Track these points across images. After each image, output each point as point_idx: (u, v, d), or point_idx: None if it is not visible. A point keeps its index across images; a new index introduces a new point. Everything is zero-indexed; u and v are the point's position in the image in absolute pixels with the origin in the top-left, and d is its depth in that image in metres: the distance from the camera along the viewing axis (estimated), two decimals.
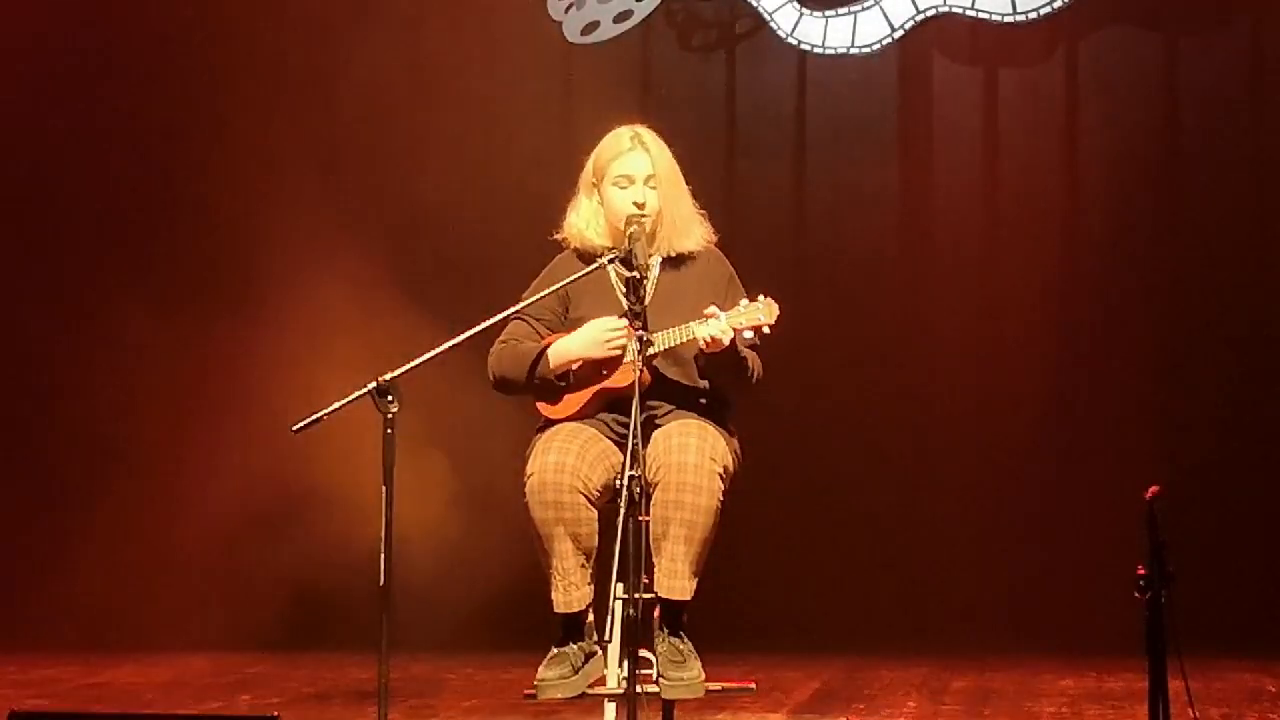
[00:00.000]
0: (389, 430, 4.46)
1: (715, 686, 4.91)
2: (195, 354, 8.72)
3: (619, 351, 4.91)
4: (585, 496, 4.84)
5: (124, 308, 8.66)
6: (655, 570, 4.82)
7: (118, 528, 8.63)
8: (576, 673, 4.85)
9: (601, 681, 4.89)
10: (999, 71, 8.64)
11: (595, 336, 4.96)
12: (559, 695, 4.86)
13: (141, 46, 8.96)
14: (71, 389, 8.76)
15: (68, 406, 8.75)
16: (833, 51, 8.67)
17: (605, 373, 4.96)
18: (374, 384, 4.49)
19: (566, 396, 5.01)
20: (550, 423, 5.01)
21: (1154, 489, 3.80)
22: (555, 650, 4.89)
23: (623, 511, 4.54)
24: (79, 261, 8.90)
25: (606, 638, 4.84)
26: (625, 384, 4.82)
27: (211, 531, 8.62)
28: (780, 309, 4.89)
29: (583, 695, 4.88)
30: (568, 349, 4.99)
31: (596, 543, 4.87)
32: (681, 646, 4.84)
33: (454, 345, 4.71)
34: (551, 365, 4.98)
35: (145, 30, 8.97)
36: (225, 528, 8.60)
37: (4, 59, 8.95)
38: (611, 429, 4.96)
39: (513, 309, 5.01)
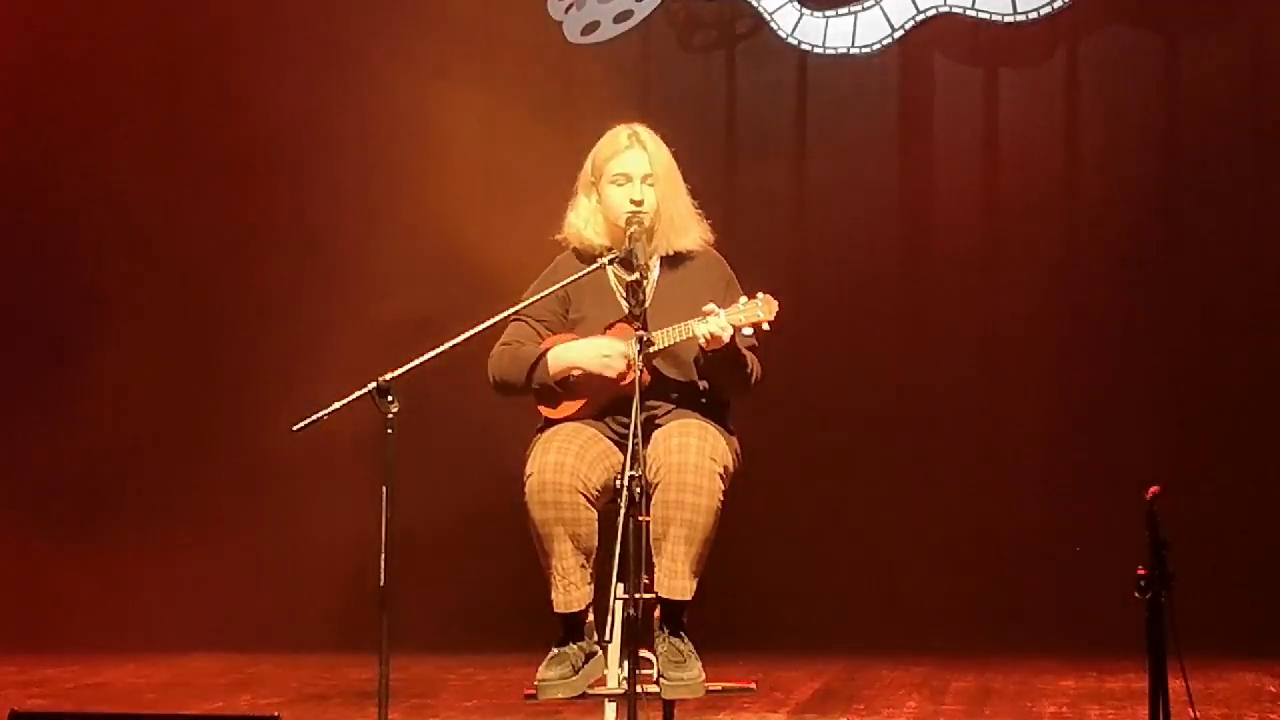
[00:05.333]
0: (389, 430, 4.46)
1: (715, 686, 4.91)
2: (197, 361, 8.74)
3: (612, 374, 4.91)
4: (585, 496, 4.84)
5: (153, 312, 8.71)
6: (655, 570, 4.82)
7: (121, 528, 8.64)
8: (577, 673, 4.85)
9: (602, 681, 4.89)
10: (999, 71, 8.64)
11: (597, 349, 4.95)
12: (559, 695, 4.86)
13: (142, 46, 8.96)
14: (75, 392, 8.76)
15: (70, 408, 8.75)
16: (833, 51, 8.67)
17: (602, 384, 4.96)
18: (374, 384, 4.49)
19: (564, 401, 5.01)
20: (550, 423, 5.01)
21: (1154, 489, 3.80)
22: (555, 650, 4.89)
23: (623, 511, 4.55)
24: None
25: (607, 638, 4.84)
26: (625, 384, 4.83)
27: (214, 532, 8.63)
28: (779, 308, 4.89)
29: (583, 695, 4.88)
30: (567, 357, 4.98)
31: (596, 543, 4.87)
32: (682, 646, 4.84)
33: (454, 345, 4.72)
34: (550, 371, 4.98)
35: (142, 30, 8.96)
36: (227, 528, 8.61)
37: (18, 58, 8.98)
38: (611, 429, 4.96)
39: (512, 310, 5.01)
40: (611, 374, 4.91)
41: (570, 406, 5.01)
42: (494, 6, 8.81)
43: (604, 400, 4.97)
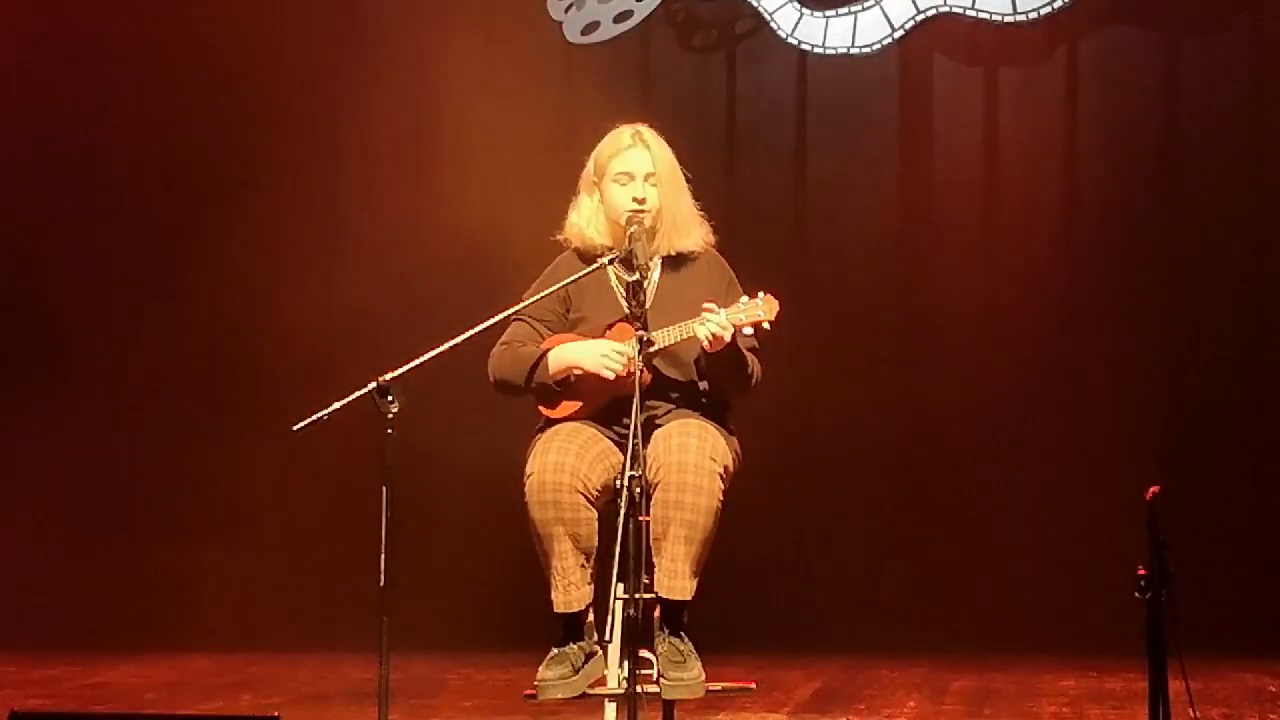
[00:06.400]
0: (389, 430, 4.46)
1: (715, 686, 4.91)
2: (202, 362, 8.74)
3: (610, 375, 4.91)
4: (585, 496, 4.84)
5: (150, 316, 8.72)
6: (655, 570, 4.82)
7: (121, 529, 8.64)
8: (577, 673, 4.85)
9: (602, 681, 4.89)
10: (999, 71, 8.63)
11: (597, 350, 4.95)
12: (559, 695, 4.86)
13: (146, 50, 8.95)
14: (76, 392, 8.77)
15: (69, 410, 8.75)
16: (833, 51, 8.67)
17: (601, 385, 4.96)
18: (374, 384, 4.49)
19: (564, 401, 5.01)
20: (550, 422, 5.01)
21: (1154, 489, 3.80)
22: (555, 650, 4.89)
23: (623, 511, 4.55)
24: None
25: (607, 638, 4.84)
26: (626, 380, 4.83)
27: (213, 532, 8.63)
28: (780, 307, 4.90)
29: (583, 695, 4.88)
30: (567, 357, 4.98)
31: (596, 543, 4.87)
32: (682, 646, 4.84)
33: (454, 345, 4.72)
34: (550, 371, 4.98)
35: (147, 33, 8.96)
36: (227, 528, 8.61)
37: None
38: (611, 429, 4.96)
39: (513, 309, 5.01)
40: (610, 375, 4.92)
41: (570, 406, 5.01)
42: (494, 6, 8.80)
43: (603, 400, 4.97)
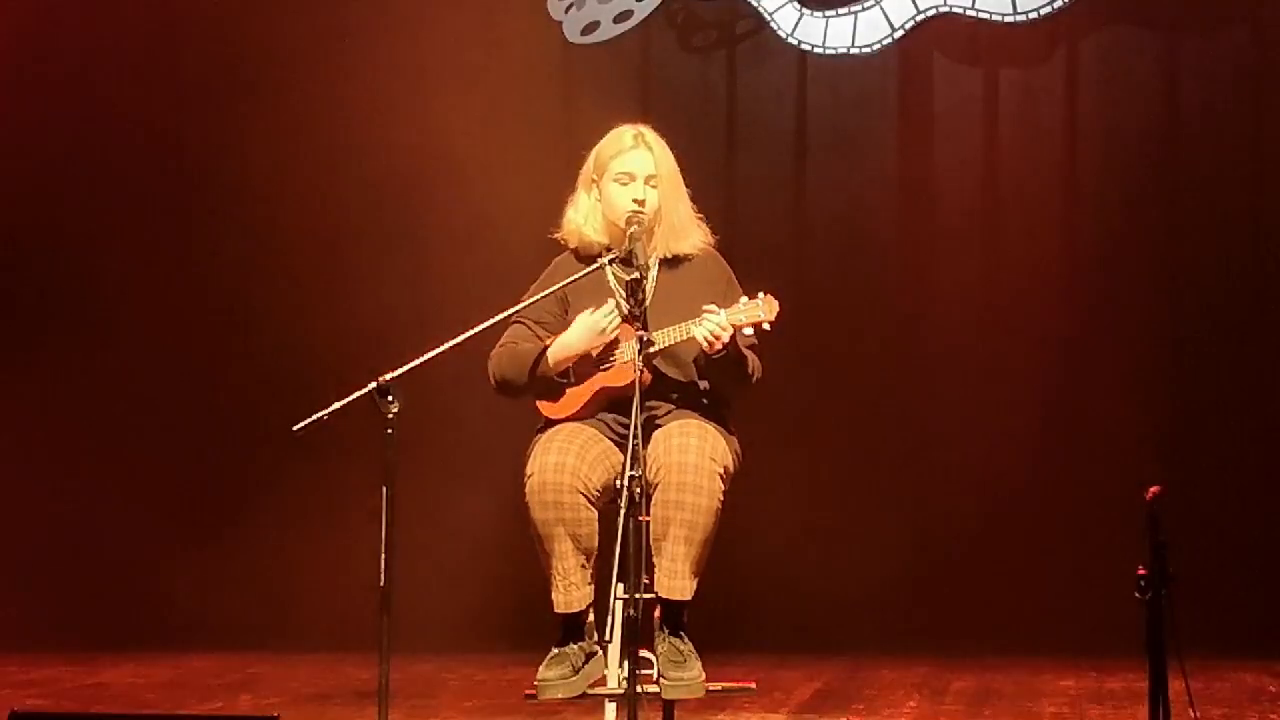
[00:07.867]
0: (389, 430, 4.46)
1: (715, 686, 4.91)
2: (208, 358, 8.75)
3: (616, 334, 4.92)
4: (585, 497, 4.84)
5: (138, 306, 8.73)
6: (655, 570, 4.82)
7: (119, 528, 8.64)
8: (577, 673, 4.85)
9: (602, 681, 4.89)
10: (999, 71, 8.63)
11: (590, 325, 4.96)
12: (560, 695, 4.86)
13: (144, 45, 8.95)
14: (79, 392, 8.77)
15: (64, 411, 8.75)
16: (833, 51, 8.67)
17: (605, 365, 4.97)
18: (374, 384, 4.49)
19: (567, 393, 5.01)
20: (550, 423, 5.01)
21: (1154, 489, 3.80)
22: (556, 650, 4.89)
23: (623, 511, 4.55)
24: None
25: (607, 638, 4.85)
26: (625, 384, 4.83)
27: (212, 531, 8.63)
28: (780, 308, 4.90)
29: (583, 695, 4.88)
30: (565, 344, 4.99)
31: (596, 543, 4.87)
32: (682, 646, 4.84)
33: (454, 346, 4.72)
34: (551, 363, 4.99)
35: (147, 29, 8.96)
36: (227, 528, 8.62)
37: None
38: (611, 429, 4.96)
39: (512, 310, 5.01)
40: (612, 336, 4.92)
41: (572, 404, 5.01)
42: (494, 6, 8.80)
43: (605, 397, 4.97)
